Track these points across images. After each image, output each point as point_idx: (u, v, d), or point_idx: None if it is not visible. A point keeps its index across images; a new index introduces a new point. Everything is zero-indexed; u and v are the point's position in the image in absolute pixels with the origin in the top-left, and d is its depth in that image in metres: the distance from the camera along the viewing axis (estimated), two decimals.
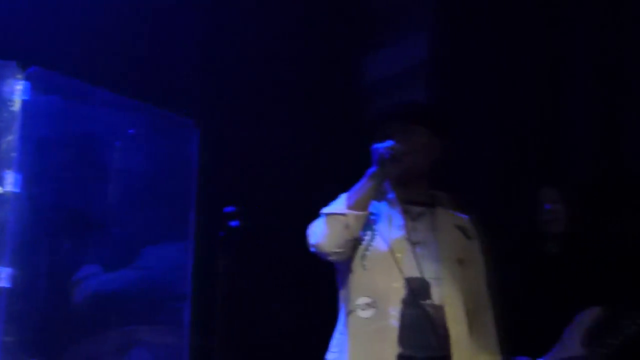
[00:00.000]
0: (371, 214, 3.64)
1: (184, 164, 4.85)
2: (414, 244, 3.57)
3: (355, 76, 6.92)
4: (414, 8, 6.95)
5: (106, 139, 4.77)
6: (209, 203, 5.21)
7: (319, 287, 5.66)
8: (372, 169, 3.56)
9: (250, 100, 6.64)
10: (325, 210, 3.58)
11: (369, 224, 3.62)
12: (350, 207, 3.50)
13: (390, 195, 3.70)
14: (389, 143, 3.54)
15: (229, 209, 4.59)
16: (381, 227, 3.61)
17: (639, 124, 5.20)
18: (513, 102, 5.82)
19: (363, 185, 3.56)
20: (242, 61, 6.71)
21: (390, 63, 6.92)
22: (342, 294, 3.65)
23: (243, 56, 6.72)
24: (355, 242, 3.58)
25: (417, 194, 3.74)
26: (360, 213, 3.50)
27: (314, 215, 3.69)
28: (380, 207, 3.69)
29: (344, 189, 3.68)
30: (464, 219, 3.81)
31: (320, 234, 3.53)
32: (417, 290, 3.49)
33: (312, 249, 3.57)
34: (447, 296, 3.52)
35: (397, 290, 3.47)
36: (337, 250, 3.53)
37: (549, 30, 5.79)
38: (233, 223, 4.57)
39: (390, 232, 3.59)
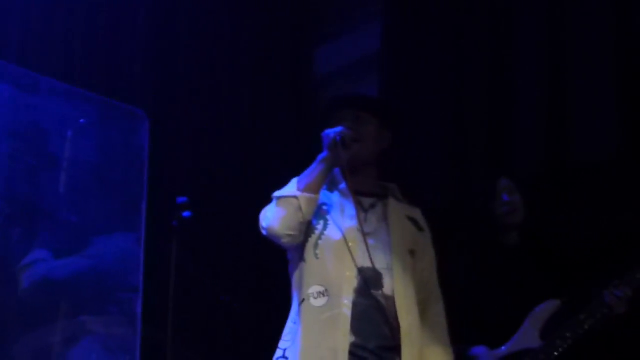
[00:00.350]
0: (324, 203, 3.65)
1: (135, 153, 4.83)
2: (366, 234, 3.57)
3: (306, 67, 6.92)
4: (366, 1, 6.97)
5: (56, 129, 4.73)
6: (161, 193, 5.19)
7: (272, 277, 5.68)
8: (322, 154, 3.57)
9: (200, 90, 6.63)
10: (276, 193, 3.58)
11: (321, 213, 3.63)
12: (301, 190, 3.51)
13: (342, 186, 3.71)
14: (338, 128, 3.56)
15: (181, 199, 4.57)
16: (334, 216, 3.62)
17: (583, 115, 5.26)
18: (464, 93, 5.85)
19: (314, 169, 3.57)
20: (193, 52, 6.70)
21: (342, 54, 6.92)
22: (294, 283, 3.65)
23: (194, 47, 6.71)
24: (308, 229, 3.59)
25: (369, 185, 3.75)
26: (312, 196, 3.51)
27: (266, 204, 3.69)
28: (333, 197, 3.70)
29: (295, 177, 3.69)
30: (415, 210, 3.83)
31: (272, 217, 3.54)
32: (369, 280, 3.50)
33: (264, 232, 3.57)
34: (398, 287, 3.53)
35: (350, 280, 3.48)
36: (289, 232, 3.54)
37: (499, 21, 5.83)
38: (185, 213, 4.55)
39: (342, 222, 3.60)
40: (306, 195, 3.49)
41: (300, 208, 3.48)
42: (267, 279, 5.87)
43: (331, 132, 3.55)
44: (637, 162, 5.10)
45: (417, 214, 3.83)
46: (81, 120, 4.75)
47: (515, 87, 5.64)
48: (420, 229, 3.77)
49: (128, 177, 4.76)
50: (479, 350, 4.22)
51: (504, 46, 5.77)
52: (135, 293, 4.64)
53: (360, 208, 3.66)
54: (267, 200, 3.69)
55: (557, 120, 5.35)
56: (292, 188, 3.55)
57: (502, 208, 4.51)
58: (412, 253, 3.66)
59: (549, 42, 5.53)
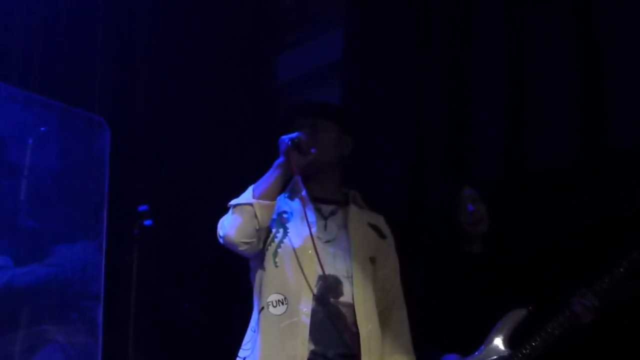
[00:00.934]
0: (284, 212, 3.65)
1: (96, 161, 4.82)
2: (325, 241, 3.58)
3: (268, 74, 6.93)
4: (327, 7, 6.98)
5: (16, 137, 4.71)
6: (121, 201, 5.18)
7: (233, 285, 5.69)
8: (278, 160, 3.57)
9: (161, 97, 6.63)
10: (232, 202, 3.58)
11: (282, 221, 3.63)
12: (256, 197, 3.51)
13: (303, 193, 3.71)
14: (294, 134, 3.56)
15: (142, 207, 4.57)
16: (293, 224, 3.62)
17: (542, 123, 5.30)
18: (424, 100, 5.89)
19: (270, 176, 3.56)
20: (153, 59, 6.69)
21: (304, 61, 6.94)
22: (255, 291, 3.65)
23: (154, 54, 6.70)
24: (267, 237, 3.59)
25: (330, 191, 3.75)
26: (267, 202, 3.51)
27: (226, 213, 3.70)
28: (293, 205, 3.70)
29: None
30: (377, 217, 3.83)
31: (228, 225, 3.53)
32: (328, 288, 3.50)
33: (221, 241, 3.57)
34: (357, 294, 3.53)
35: (309, 287, 3.49)
36: (245, 240, 3.53)
37: (459, 29, 5.87)
38: (146, 222, 4.55)
39: (302, 230, 3.59)
40: (261, 202, 3.49)
41: (255, 215, 3.48)
42: (228, 287, 5.87)
43: (286, 138, 3.55)
44: (595, 169, 5.16)
45: (379, 220, 3.83)
46: (42, 129, 4.74)
47: (475, 95, 5.68)
48: (382, 236, 3.77)
49: (89, 185, 4.75)
50: (451, 357, 4.23)
51: (464, 54, 5.81)
52: (96, 301, 4.63)
53: (320, 215, 3.66)
54: (226, 208, 3.69)
55: (516, 128, 5.39)
56: (247, 195, 3.54)
57: (467, 218, 4.51)
58: (372, 260, 3.66)
59: (508, 50, 5.57)
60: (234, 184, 3.80)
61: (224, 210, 3.66)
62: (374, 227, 3.76)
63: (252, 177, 3.70)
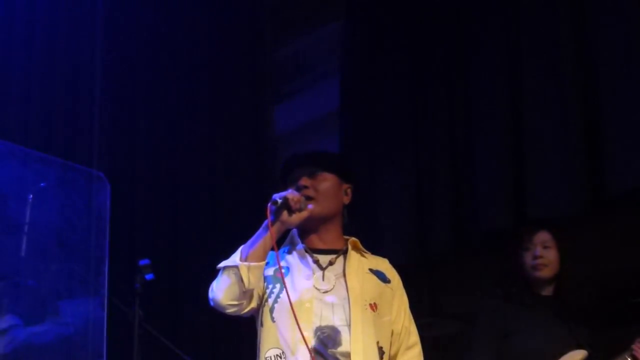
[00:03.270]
0: (282, 266, 3.62)
1: (96, 216, 4.81)
2: (324, 292, 3.56)
3: (265, 125, 6.95)
4: (323, 57, 7.03)
5: (15, 193, 4.71)
6: (122, 256, 5.17)
7: (236, 340, 5.66)
8: (268, 219, 3.54)
9: (160, 152, 6.63)
10: (221, 264, 3.56)
11: (277, 276, 3.61)
12: (243, 259, 3.48)
13: (299, 246, 3.68)
14: (284, 192, 3.54)
15: (143, 261, 4.55)
16: (290, 279, 3.59)
17: (544, 169, 5.32)
18: (424, 147, 5.92)
19: (258, 236, 3.53)
20: (153, 114, 6.71)
21: (301, 111, 6.97)
22: (257, 346, 3.63)
23: (154, 110, 6.72)
24: (264, 293, 3.57)
25: (329, 240, 3.72)
26: (253, 264, 3.47)
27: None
28: (291, 259, 3.67)
29: None
30: (380, 262, 3.80)
31: (216, 287, 3.51)
32: (326, 339, 3.48)
33: (211, 303, 3.55)
34: (356, 342, 3.50)
35: (307, 340, 3.46)
36: (232, 303, 3.51)
37: (456, 75, 5.91)
38: (148, 276, 4.53)
39: (298, 284, 3.57)
40: (247, 264, 3.46)
41: (241, 278, 3.46)
42: (231, 342, 5.85)
43: (276, 197, 3.53)
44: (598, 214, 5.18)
45: (383, 264, 3.79)
46: (41, 184, 4.73)
47: (475, 138, 5.71)
48: (385, 280, 3.74)
49: (90, 240, 4.74)
50: None
51: (462, 99, 5.85)
52: (100, 359, 4.60)
53: (318, 267, 3.64)
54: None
55: (517, 174, 5.42)
56: (235, 257, 3.52)
57: (530, 261, 4.51)
58: (374, 306, 3.64)
59: (507, 93, 5.61)
60: (235, 236, 3.77)
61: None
62: (376, 273, 3.74)
63: (252, 230, 3.69)
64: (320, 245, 3.68)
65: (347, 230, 3.79)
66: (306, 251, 3.65)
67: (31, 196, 4.71)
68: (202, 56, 6.95)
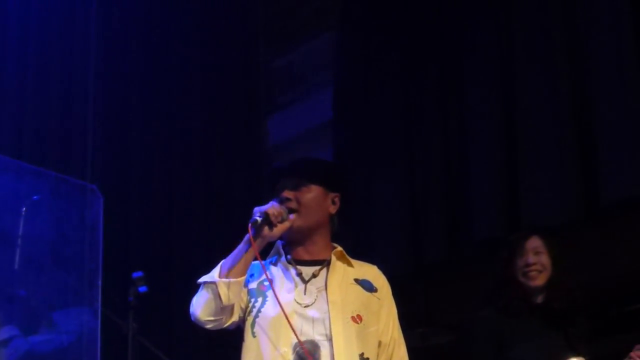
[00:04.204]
0: (265, 279, 3.60)
1: (89, 229, 4.81)
2: (305, 306, 3.54)
3: (258, 137, 6.97)
4: (317, 68, 7.04)
5: (8, 206, 4.70)
6: (116, 268, 5.16)
7: (230, 352, 5.64)
8: (248, 234, 3.52)
9: (153, 165, 6.64)
10: (201, 279, 3.54)
11: (261, 290, 3.58)
12: (222, 275, 3.46)
13: (283, 258, 3.66)
14: (265, 206, 3.51)
15: (136, 274, 4.55)
16: (274, 291, 3.57)
17: (536, 180, 5.34)
18: (418, 156, 5.93)
19: (238, 251, 3.50)
20: (146, 127, 6.71)
21: (295, 122, 6.98)
22: None
23: (146, 123, 6.73)
24: (247, 307, 3.55)
25: (315, 251, 3.66)
26: (231, 280, 3.44)
27: None
28: (275, 272, 3.65)
29: None
30: (368, 270, 3.76)
31: (195, 303, 3.49)
32: (306, 353, 3.46)
33: (191, 318, 3.54)
34: (338, 355, 3.49)
35: (285, 355, 3.44)
36: (210, 318, 3.48)
37: (449, 87, 5.93)
38: (141, 288, 4.52)
39: (281, 296, 3.54)
40: (225, 280, 3.44)
41: (218, 294, 3.44)
42: (225, 355, 5.83)
43: (256, 212, 3.51)
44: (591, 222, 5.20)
45: (370, 272, 3.73)
46: (34, 197, 4.73)
47: (468, 147, 5.73)
48: (371, 289, 3.71)
49: (83, 253, 4.73)
50: None
51: (455, 109, 5.87)
52: None
53: (300, 279, 3.61)
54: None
55: (511, 183, 5.43)
56: (214, 273, 3.51)
57: (523, 268, 4.46)
58: (357, 319, 3.61)
59: (500, 106, 5.63)
60: (230, 248, 3.76)
61: None
62: (361, 282, 3.70)
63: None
64: (305, 256, 3.64)
65: (340, 239, 3.75)
66: (290, 263, 3.62)
67: (24, 209, 4.70)
68: (196, 67, 6.96)
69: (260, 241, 3.48)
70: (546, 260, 4.43)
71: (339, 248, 3.67)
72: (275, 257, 3.64)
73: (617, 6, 5.27)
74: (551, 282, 4.42)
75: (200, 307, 3.46)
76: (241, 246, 3.48)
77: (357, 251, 3.78)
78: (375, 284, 3.66)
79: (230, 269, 3.45)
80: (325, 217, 3.64)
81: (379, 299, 3.65)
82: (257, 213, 3.45)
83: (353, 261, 3.69)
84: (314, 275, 3.59)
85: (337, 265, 3.63)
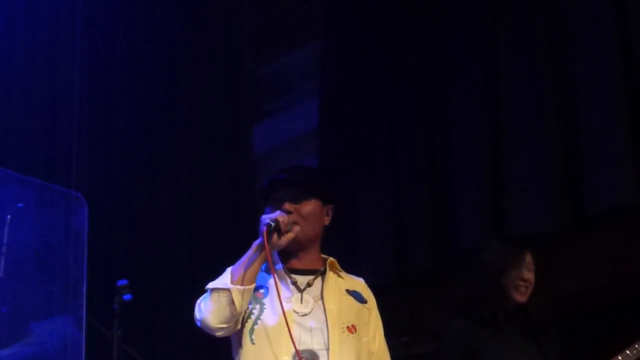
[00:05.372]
0: (261, 287, 3.60)
1: (74, 237, 4.79)
2: (302, 315, 3.54)
3: (244, 145, 6.97)
4: (302, 77, 7.05)
5: None
6: (100, 276, 5.15)
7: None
8: (257, 241, 3.52)
9: (138, 173, 6.63)
10: (210, 285, 3.53)
11: (258, 297, 3.59)
12: (234, 282, 3.46)
13: (278, 267, 3.65)
14: (274, 214, 3.52)
15: (121, 281, 4.53)
16: (269, 300, 3.56)
17: (520, 189, 5.35)
18: (403, 166, 5.94)
19: (248, 259, 3.50)
20: (130, 135, 6.71)
21: (281, 130, 6.99)
22: None
23: (131, 131, 6.72)
24: (243, 316, 3.55)
25: (308, 261, 3.69)
26: (245, 287, 3.45)
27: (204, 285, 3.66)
28: (270, 280, 3.65)
29: (232, 263, 3.65)
30: (356, 282, 3.79)
31: (206, 309, 3.48)
32: None
33: (198, 324, 3.52)
34: None
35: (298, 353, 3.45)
36: (222, 325, 3.48)
37: (435, 95, 5.94)
38: (126, 296, 4.51)
39: (278, 306, 3.55)
40: (239, 287, 3.44)
41: (232, 301, 3.44)
42: None
43: (266, 219, 3.51)
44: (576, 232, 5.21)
45: (359, 285, 3.77)
46: (19, 205, 4.71)
47: (454, 157, 5.74)
48: (362, 300, 3.73)
49: (68, 261, 4.72)
50: None
51: (441, 119, 5.88)
52: None
53: (296, 288, 3.62)
54: (206, 281, 3.64)
55: (496, 194, 5.45)
56: (225, 279, 3.49)
57: (516, 282, 4.42)
58: (351, 329, 3.62)
59: (485, 117, 5.65)
60: (215, 256, 3.77)
61: (202, 283, 3.62)
62: (352, 293, 3.72)
63: (230, 250, 3.68)
64: (299, 266, 3.65)
65: (325, 249, 3.77)
66: (285, 272, 3.63)
67: (9, 217, 4.68)
68: (181, 75, 6.96)
69: (269, 249, 3.48)
70: (533, 277, 4.43)
71: (332, 259, 3.69)
72: (266, 264, 3.64)
73: (601, 18, 5.30)
74: (533, 297, 4.42)
75: (212, 314, 3.44)
76: (251, 253, 3.48)
77: (342, 260, 3.80)
78: (364, 296, 3.69)
79: (243, 276, 3.45)
80: (321, 229, 3.67)
81: (369, 309, 3.68)
82: (267, 220, 3.46)
83: (342, 273, 3.71)
84: (309, 285, 3.60)
85: (330, 276, 3.65)
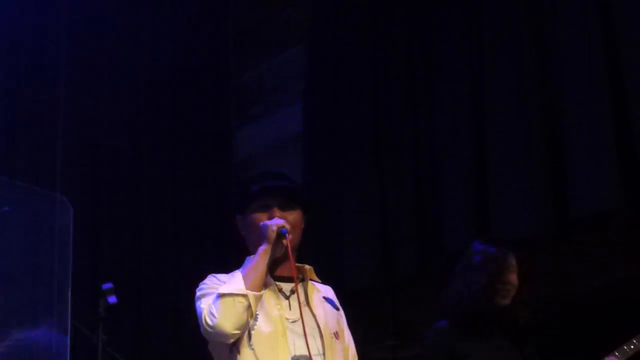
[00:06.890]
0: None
1: (59, 240, 4.78)
2: (292, 322, 3.55)
3: (228, 148, 6.97)
4: (287, 81, 7.06)
5: None
6: (85, 279, 5.14)
7: None
8: (263, 247, 3.52)
9: (124, 178, 6.63)
10: (223, 290, 3.51)
11: None
12: (250, 287, 3.46)
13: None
14: (279, 221, 3.52)
15: (106, 285, 4.53)
16: (261, 307, 3.58)
17: (507, 194, 5.37)
18: (388, 171, 5.96)
19: (258, 263, 3.49)
20: (116, 138, 6.71)
21: (265, 135, 6.99)
22: None
23: (116, 134, 6.72)
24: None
25: (287, 269, 3.71)
26: (259, 293, 3.48)
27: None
28: None
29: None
30: (328, 289, 3.80)
31: (220, 315, 3.44)
32: None
33: (209, 330, 3.48)
34: None
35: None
36: (237, 332, 3.46)
37: (419, 99, 5.96)
38: (111, 299, 4.50)
39: (270, 312, 3.55)
40: (257, 293, 3.45)
41: (249, 307, 3.44)
42: None
43: (272, 224, 3.51)
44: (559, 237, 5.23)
45: (330, 292, 3.80)
46: (4, 208, 4.71)
47: (439, 161, 5.76)
48: (336, 307, 3.76)
49: (53, 264, 4.71)
50: None
51: (426, 124, 5.90)
52: None
53: (282, 295, 3.63)
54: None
55: (481, 198, 5.46)
56: (238, 285, 3.47)
57: (502, 285, 4.41)
58: (336, 335, 3.65)
59: (471, 121, 5.67)
60: (199, 259, 3.77)
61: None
62: (329, 301, 3.74)
63: (215, 252, 3.68)
64: (283, 273, 3.66)
65: (311, 255, 3.79)
66: (270, 279, 3.64)
67: None
68: (166, 78, 6.96)
69: (292, 257, 3.50)
70: (517, 280, 4.42)
71: (308, 266, 3.70)
72: None
73: (586, 21, 5.32)
74: (515, 300, 4.41)
75: (228, 319, 3.41)
76: (258, 259, 3.48)
77: (328, 265, 3.82)
78: (336, 303, 3.72)
79: (254, 282, 3.45)
80: (301, 238, 3.68)
81: (341, 316, 3.71)
82: (275, 226, 3.48)
83: (316, 280, 3.73)
84: (293, 292, 3.61)
85: (310, 283, 3.67)
